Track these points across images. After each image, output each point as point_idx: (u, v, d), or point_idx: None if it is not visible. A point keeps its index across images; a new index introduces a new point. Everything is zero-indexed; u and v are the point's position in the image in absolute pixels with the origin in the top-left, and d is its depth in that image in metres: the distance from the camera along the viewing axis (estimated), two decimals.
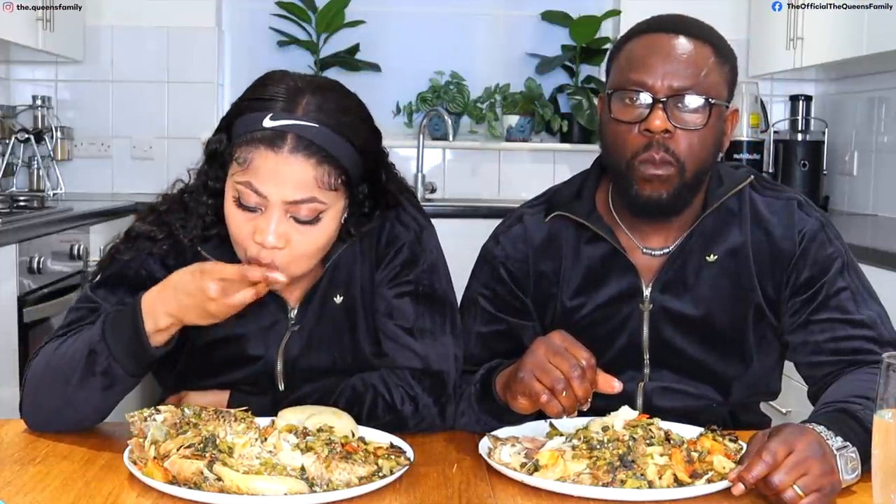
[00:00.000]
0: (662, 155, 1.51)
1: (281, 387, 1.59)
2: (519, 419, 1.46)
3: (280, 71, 1.52)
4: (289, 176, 1.41)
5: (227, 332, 1.56)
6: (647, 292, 1.61)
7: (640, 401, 1.63)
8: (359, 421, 1.44)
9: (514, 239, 1.67)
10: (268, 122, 1.42)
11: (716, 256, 1.60)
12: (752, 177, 1.64)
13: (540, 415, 1.41)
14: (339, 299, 1.58)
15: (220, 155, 1.50)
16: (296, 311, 1.58)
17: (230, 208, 1.46)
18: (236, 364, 1.58)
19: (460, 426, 1.55)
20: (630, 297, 1.62)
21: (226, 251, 1.53)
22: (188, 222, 1.54)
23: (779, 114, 4.54)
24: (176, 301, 1.39)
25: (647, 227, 1.61)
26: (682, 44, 1.52)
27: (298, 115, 1.42)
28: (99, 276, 1.57)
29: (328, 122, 1.43)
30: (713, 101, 1.52)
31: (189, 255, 1.55)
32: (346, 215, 1.51)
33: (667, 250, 1.61)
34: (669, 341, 1.62)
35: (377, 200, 1.55)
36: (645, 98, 1.51)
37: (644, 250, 1.62)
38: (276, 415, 1.40)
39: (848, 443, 1.25)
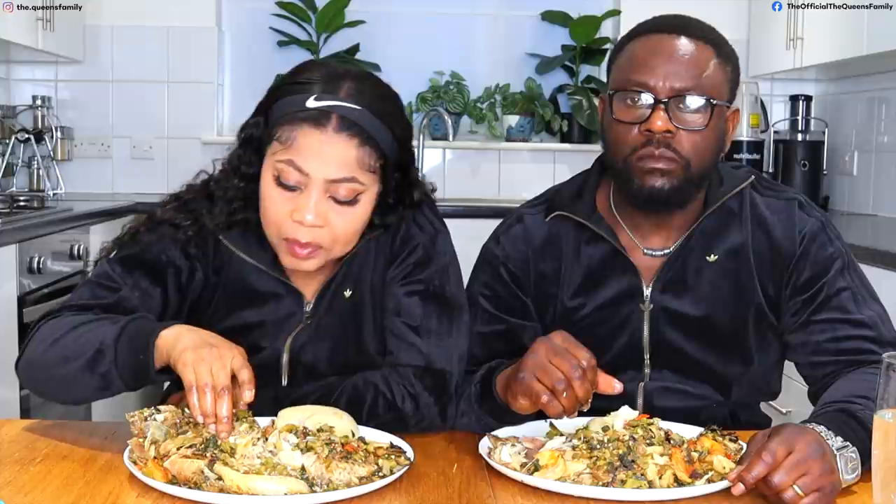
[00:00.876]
0: (662, 150, 1.51)
1: (284, 381, 1.59)
2: (519, 419, 1.46)
3: (316, 60, 1.54)
4: (332, 155, 1.43)
5: (245, 321, 1.57)
6: (647, 292, 1.61)
7: (640, 401, 1.63)
8: (359, 419, 1.44)
9: (515, 239, 1.67)
10: (311, 103, 1.44)
11: (716, 256, 1.60)
12: (753, 177, 1.64)
13: (540, 415, 1.41)
14: (348, 293, 1.59)
15: (255, 139, 1.51)
16: (311, 305, 1.59)
17: (268, 187, 1.47)
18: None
19: (461, 426, 1.54)
20: (630, 298, 1.62)
21: (249, 240, 1.55)
22: (214, 209, 1.55)
23: (779, 114, 4.54)
24: (191, 339, 1.35)
25: (647, 225, 1.61)
26: (684, 44, 1.52)
27: (341, 97, 1.45)
28: (116, 253, 1.56)
29: (369, 106, 1.46)
30: (715, 102, 1.52)
31: (210, 245, 1.56)
32: (376, 203, 1.52)
33: (667, 251, 1.62)
34: (670, 341, 1.62)
35: (403, 193, 1.57)
36: (647, 99, 1.51)
37: (645, 251, 1.62)
38: (276, 413, 1.40)
39: (848, 443, 1.25)
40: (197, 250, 1.56)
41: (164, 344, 1.36)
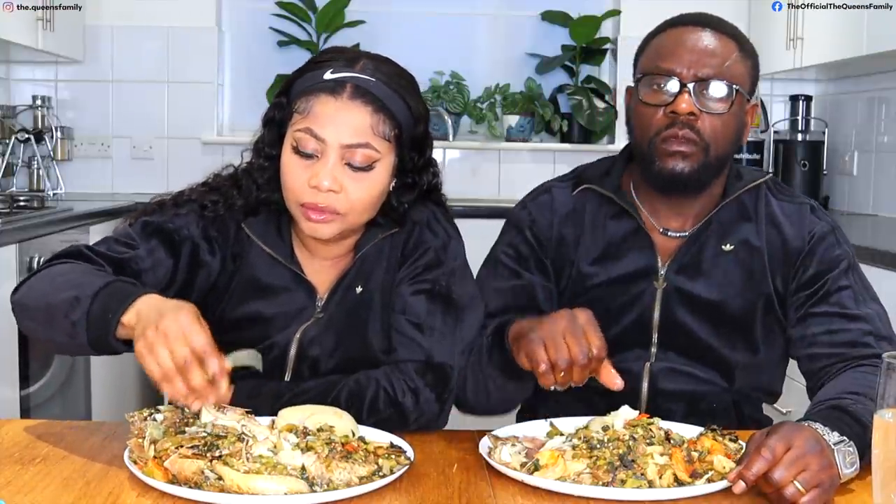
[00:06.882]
0: (686, 132, 1.58)
1: (287, 376, 1.60)
2: (523, 381, 1.48)
3: (340, 46, 1.62)
4: (347, 120, 1.49)
5: (257, 312, 1.59)
6: (662, 271, 1.65)
7: (645, 382, 1.65)
8: (360, 415, 1.45)
9: (541, 206, 1.74)
10: (328, 75, 1.52)
11: (732, 246, 1.66)
12: (770, 177, 1.71)
13: (537, 389, 1.45)
14: (359, 290, 1.61)
15: (277, 120, 1.56)
16: (324, 300, 1.60)
17: (287, 157, 1.53)
18: (255, 344, 1.58)
19: (469, 391, 1.57)
20: (645, 275, 1.66)
21: (269, 230, 1.60)
22: (241, 191, 1.59)
23: (779, 114, 4.53)
24: (155, 311, 1.32)
25: (666, 210, 1.67)
26: (708, 36, 1.62)
27: (357, 70, 1.52)
28: (138, 219, 1.59)
29: (384, 79, 1.53)
30: (737, 88, 1.59)
31: (232, 232, 1.60)
32: (394, 183, 1.57)
33: (685, 234, 1.67)
34: (680, 322, 1.65)
35: (421, 173, 1.61)
36: (672, 84, 1.58)
37: (662, 231, 1.67)
38: (275, 409, 1.40)
39: (844, 437, 1.26)
40: (217, 234, 1.59)
41: (128, 322, 1.34)
